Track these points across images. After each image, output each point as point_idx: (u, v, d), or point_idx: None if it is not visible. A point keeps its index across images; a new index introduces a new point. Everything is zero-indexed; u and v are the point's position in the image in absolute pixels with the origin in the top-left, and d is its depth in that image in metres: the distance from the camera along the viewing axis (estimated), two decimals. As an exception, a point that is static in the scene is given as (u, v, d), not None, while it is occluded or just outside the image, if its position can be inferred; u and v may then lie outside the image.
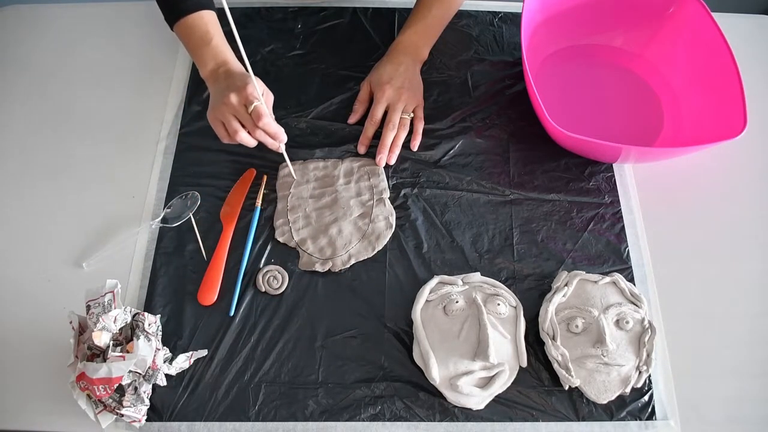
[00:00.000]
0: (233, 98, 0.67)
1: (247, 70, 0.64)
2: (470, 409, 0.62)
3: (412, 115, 0.79)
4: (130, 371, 0.58)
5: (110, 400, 0.59)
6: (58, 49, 0.88)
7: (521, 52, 0.73)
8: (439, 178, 0.76)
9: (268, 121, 0.67)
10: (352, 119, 0.80)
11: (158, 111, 0.81)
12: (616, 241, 0.73)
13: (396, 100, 0.77)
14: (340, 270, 0.69)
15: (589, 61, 0.87)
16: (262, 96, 0.66)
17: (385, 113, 0.78)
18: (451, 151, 0.78)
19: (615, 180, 0.77)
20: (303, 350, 0.65)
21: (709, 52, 0.77)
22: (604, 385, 0.62)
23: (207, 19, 0.73)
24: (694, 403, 0.64)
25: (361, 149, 0.77)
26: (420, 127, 0.79)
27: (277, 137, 0.69)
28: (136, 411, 0.59)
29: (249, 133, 0.68)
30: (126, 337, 0.61)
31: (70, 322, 0.59)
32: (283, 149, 0.72)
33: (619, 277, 0.67)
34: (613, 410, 0.63)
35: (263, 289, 0.68)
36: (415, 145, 0.78)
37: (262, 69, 0.84)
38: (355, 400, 0.63)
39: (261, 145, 0.76)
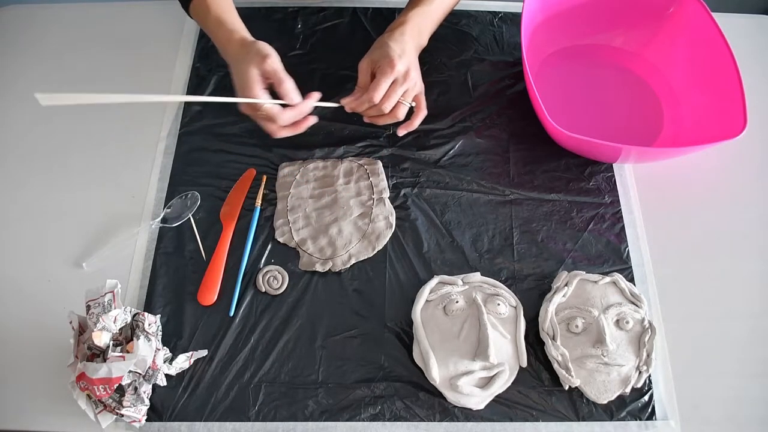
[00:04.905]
0: (242, 108, 0.68)
1: None
2: (470, 409, 0.62)
3: (413, 103, 0.72)
4: (130, 371, 0.58)
5: (110, 400, 0.58)
6: (58, 49, 0.87)
7: (521, 52, 0.73)
8: (439, 178, 0.76)
9: (286, 117, 0.66)
10: (346, 100, 0.71)
11: (158, 111, 0.81)
12: (616, 241, 0.73)
13: (404, 76, 0.69)
14: (341, 270, 0.69)
15: (589, 61, 0.87)
16: (259, 77, 0.65)
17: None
18: (451, 151, 0.78)
19: (615, 180, 0.77)
20: (303, 350, 0.65)
21: (709, 52, 0.77)
22: (604, 385, 0.62)
23: None
24: (694, 403, 0.64)
25: (349, 109, 0.71)
26: (420, 115, 0.73)
27: (303, 110, 0.68)
28: (136, 411, 0.59)
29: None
30: (126, 337, 0.61)
31: (70, 322, 0.59)
32: (319, 102, 0.69)
33: (619, 277, 0.67)
34: (613, 410, 0.63)
35: (263, 289, 0.68)
36: (409, 127, 0.73)
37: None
38: (355, 400, 0.63)
39: (260, 146, 0.77)
